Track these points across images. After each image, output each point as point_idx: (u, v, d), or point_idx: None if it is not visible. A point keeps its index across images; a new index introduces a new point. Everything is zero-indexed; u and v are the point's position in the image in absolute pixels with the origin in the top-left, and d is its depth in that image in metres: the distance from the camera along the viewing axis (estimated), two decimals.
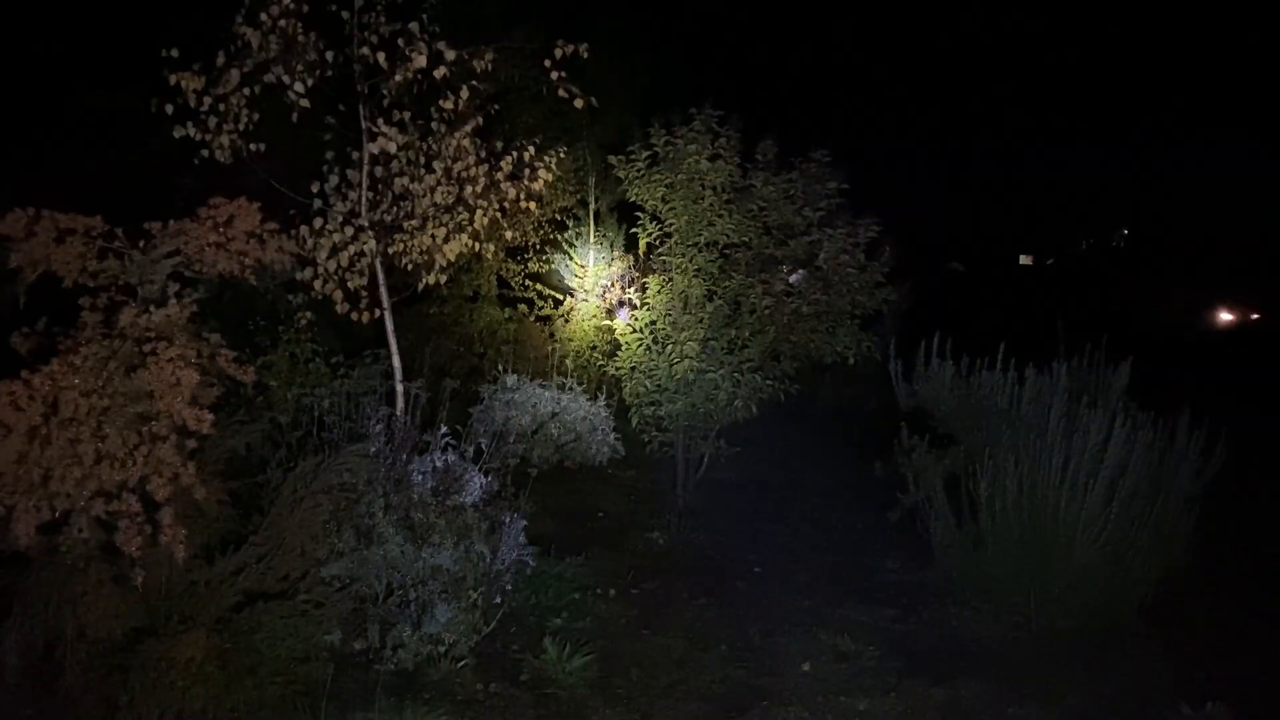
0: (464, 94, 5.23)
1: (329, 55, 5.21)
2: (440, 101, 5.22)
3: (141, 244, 4.10)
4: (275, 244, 4.33)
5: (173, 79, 4.99)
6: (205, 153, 5.17)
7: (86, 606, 3.71)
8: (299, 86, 5.06)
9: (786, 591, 5.89)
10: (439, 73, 5.15)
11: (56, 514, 3.60)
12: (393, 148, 5.29)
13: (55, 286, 4.02)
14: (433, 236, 5.34)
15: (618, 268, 11.24)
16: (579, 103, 5.32)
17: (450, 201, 5.35)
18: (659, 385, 7.39)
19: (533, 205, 5.67)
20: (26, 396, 3.56)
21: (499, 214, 5.51)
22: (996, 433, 5.68)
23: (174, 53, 4.96)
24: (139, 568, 3.71)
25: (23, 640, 3.74)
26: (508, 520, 5.15)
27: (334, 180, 5.39)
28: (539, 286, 11.28)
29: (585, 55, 5.26)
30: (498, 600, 4.95)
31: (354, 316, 5.30)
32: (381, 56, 5.19)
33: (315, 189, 5.33)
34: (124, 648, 3.79)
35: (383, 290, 5.58)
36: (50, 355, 3.77)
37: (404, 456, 5.11)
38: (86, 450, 3.58)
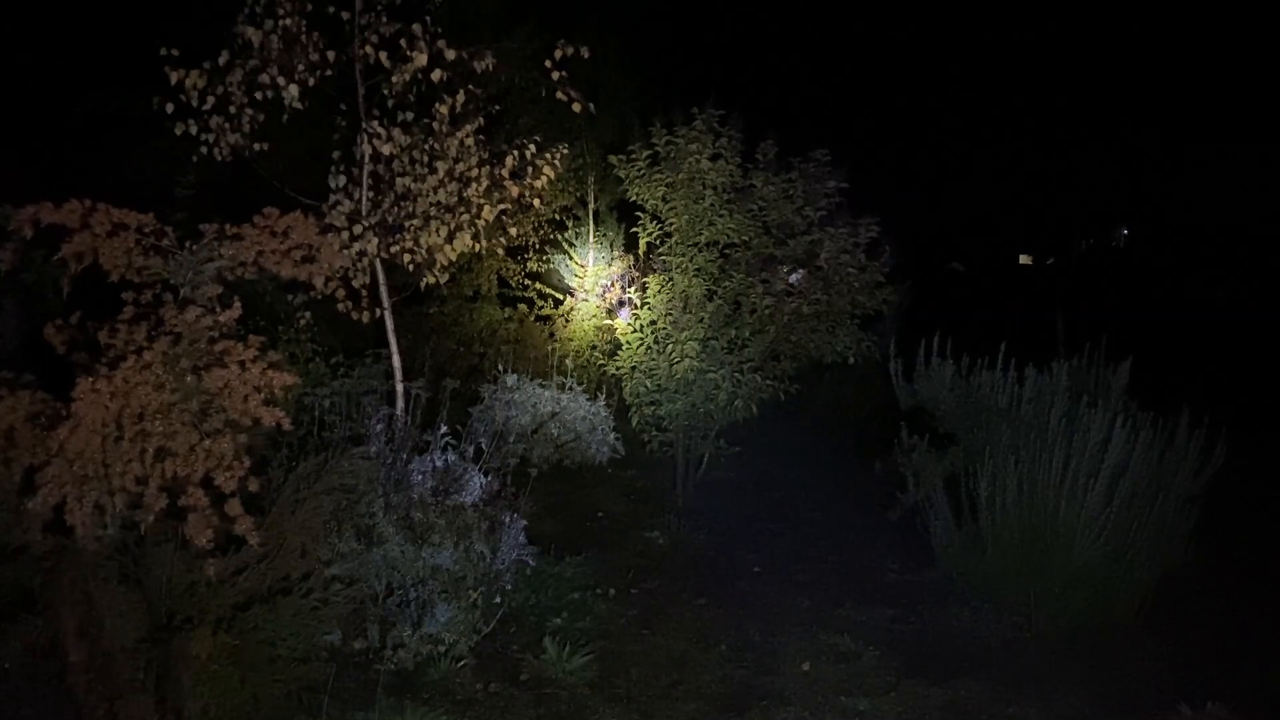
0: (460, 97, 5.24)
1: (330, 55, 5.22)
2: (436, 106, 5.24)
3: (189, 244, 4.12)
4: (327, 260, 4.38)
5: (174, 76, 4.99)
6: (205, 149, 5.18)
7: (93, 604, 3.71)
8: (294, 89, 5.07)
9: (786, 591, 5.89)
10: (436, 75, 5.16)
11: (118, 508, 3.63)
12: (392, 148, 5.29)
13: (86, 281, 4.03)
14: (436, 233, 5.35)
15: (618, 267, 11.24)
16: (576, 107, 5.33)
17: (453, 201, 5.36)
18: (659, 385, 7.39)
19: (537, 202, 5.69)
20: (109, 393, 3.59)
21: (502, 213, 5.51)
22: (996, 432, 5.68)
23: (174, 52, 4.96)
24: (141, 566, 3.71)
25: (28, 639, 3.74)
26: (508, 520, 5.15)
27: (341, 180, 5.40)
28: (539, 286, 11.29)
29: (586, 56, 5.27)
30: (497, 600, 4.95)
31: (354, 316, 5.30)
32: (383, 56, 5.19)
33: (317, 187, 5.33)
34: (130, 647, 3.79)
35: (383, 290, 5.59)
36: (86, 349, 3.80)
37: (404, 456, 5.11)
38: (151, 445, 3.61)
